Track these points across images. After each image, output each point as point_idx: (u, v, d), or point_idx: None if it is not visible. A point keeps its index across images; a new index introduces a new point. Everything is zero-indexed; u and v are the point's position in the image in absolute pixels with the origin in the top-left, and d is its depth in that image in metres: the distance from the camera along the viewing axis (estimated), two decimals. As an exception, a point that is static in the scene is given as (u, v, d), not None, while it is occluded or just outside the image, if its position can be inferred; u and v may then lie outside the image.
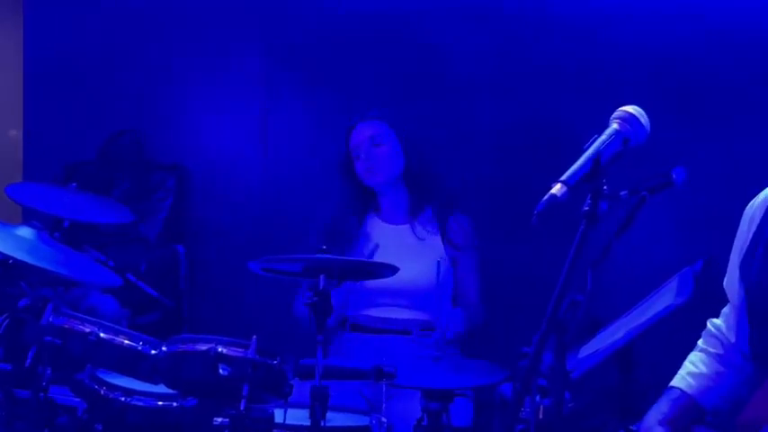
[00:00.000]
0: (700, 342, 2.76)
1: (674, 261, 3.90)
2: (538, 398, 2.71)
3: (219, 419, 3.64)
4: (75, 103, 5.73)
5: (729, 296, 2.63)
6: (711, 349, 2.70)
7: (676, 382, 2.66)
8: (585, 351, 3.97)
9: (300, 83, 5.26)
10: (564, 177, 2.31)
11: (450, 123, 4.59)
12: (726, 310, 2.72)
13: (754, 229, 2.55)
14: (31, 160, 5.82)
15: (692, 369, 2.68)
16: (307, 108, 5.19)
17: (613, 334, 4.00)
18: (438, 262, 4.01)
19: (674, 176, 3.27)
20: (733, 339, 2.65)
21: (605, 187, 2.40)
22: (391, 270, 3.89)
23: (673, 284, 3.89)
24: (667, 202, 3.54)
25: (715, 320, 2.72)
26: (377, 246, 4.20)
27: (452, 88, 4.90)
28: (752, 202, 2.60)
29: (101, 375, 3.92)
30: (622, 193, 2.64)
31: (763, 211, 2.53)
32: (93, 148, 5.52)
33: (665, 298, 3.93)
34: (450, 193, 4.48)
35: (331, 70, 5.15)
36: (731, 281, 2.62)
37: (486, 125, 4.77)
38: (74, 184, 4.59)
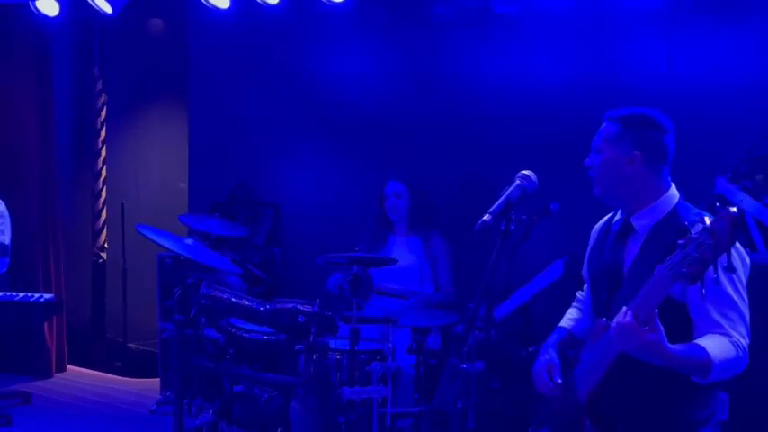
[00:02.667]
0: (574, 303, 2.75)
1: (550, 256, 3.89)
2: (477, 333, 2.72)
3: (299, 346, 3.67)
4: (216, 164, 5.74)
5: (584, 278, 2.64)
6: (577, 305, 2.69)
7: (562, 323, 2.65)
8: (503, 307, 3.99)
9: (339, 153, 5.27)
10: (489, 210, 2.39)
11: (419, 177, 4.55)
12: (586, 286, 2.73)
13: (594, 239, 2.56)
14: (193, 200, 5.81)
15: (569, 315, 2.67)
16: (343, 168, 5.18)
17: (518, 297, 4.03)
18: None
19: (551, 208, 3.30)
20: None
21: (513, 216, 2.45)
22: (392, 262, 3.94)
23: (550, 269, 3.92)
24: (548, 221, 3.54)
25: (580, 291, 2.71)
26: None
27: (421, 152, 4.85)
28: (595, 226, 2.59)
29: (233, 321, 3.95)
30: (523, 217, 2.70)
31: (599, 229, 2.54)
32: (227, 191, 5.53)
33: (546, 277, 3.96)
34: (431, 223, 4.41)
35: (353, 140, 5.15)
36: (584, 269, 2.63)
37: (439, 175, 4.70)
38: (216, 214, 4.63)
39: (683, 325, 2.10)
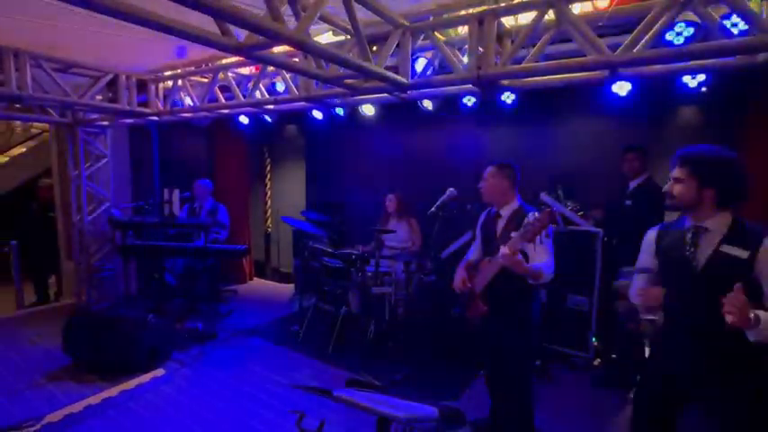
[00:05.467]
0: (471, 247, 2.65)
1: (465, 228, 3.77)
2: (431, 262, 2.66)
3: (352, 269, 3.60)
4: (318, 187, 5.60)
5: (477, 237, 2.51)
6: (473, 248, 2.56)
7: (467, 256, 2.55)
8: (445, 251, 3.92)
9: (370, 182, 4.99)
10: (435, 206, 2.34)
11: (404, 191, 4.43)
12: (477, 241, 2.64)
13: (481, 220, 2.42)
14: (308, 204, 5.69)
15: (470, 253, 2.59)
16: (371, 189, 4.81)
17: (452, 247, 3.95)
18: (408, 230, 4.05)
19: (467, 207, 3.15)
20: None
21: (445, 209, 2.39)
22: (393, 231, 3.87)
23: (465, 235, 3.83)
24: (466, 213, 3.43)
25: (474, 243, 2.62)
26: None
27: (407, 180, 4.62)
28: (482, 214, 2.45)
29: (324, 258, 3.89)
30: (454, 210, 2.58)
31: (483, 215, 2.42)
32: (322, 200, 5.42)
33: (463, 238, 3.88)
34: (411, 212, 4.24)
35: (376, 177, 4.91)
36: (477, 233, 2.53)
37: (414, 190, 4.52)
38: (315, 211, 4.56)
39: (525, 257, 2.06)
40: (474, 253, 2.56)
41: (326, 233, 4.21)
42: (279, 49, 3.05)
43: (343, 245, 4.38)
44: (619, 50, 1.79)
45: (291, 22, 1.71)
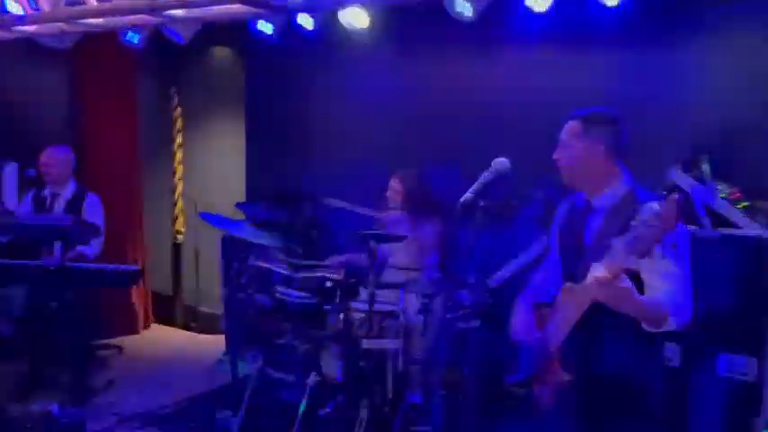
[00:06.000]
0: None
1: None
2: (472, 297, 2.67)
3: (327, 307, 3.62)
4: (268, 162, 5.66)
5: (552, 248, 2.58)
6: (543, 267, 2.64)
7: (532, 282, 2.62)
8: (498, 276, 3.94)
9: (358, 153, 5.00)
10: (470, 190, 2.37)
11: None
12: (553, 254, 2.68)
13: (560, 217, 2.50)
14: (249, 192, 5.77)
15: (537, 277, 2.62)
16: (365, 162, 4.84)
17: (510, 267, 3.97)
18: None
19: (538, 193, 3.17)
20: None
21: (492, 195, 2.43)
22: (398, 239, 3.87)
23: (535, 249, 3.84)
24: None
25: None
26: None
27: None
28: (560, 206, 2.52)
29: (278, 288, 3.91)
30: (514, 201, 2.62)
31: (564, 209, 2.49)
32: (278, 183, 5.42)
33: (532, 250, 3.88)
34: (432, 207, 4.18)
35: (374, 141, 4.96)
36: (552, 241, 2.57)
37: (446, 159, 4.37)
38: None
39: (636, 284, 2.05)
40: (547, 276, 2.57)
41: (283, 242, 4.24)
42: None
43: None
44: None
45: None
